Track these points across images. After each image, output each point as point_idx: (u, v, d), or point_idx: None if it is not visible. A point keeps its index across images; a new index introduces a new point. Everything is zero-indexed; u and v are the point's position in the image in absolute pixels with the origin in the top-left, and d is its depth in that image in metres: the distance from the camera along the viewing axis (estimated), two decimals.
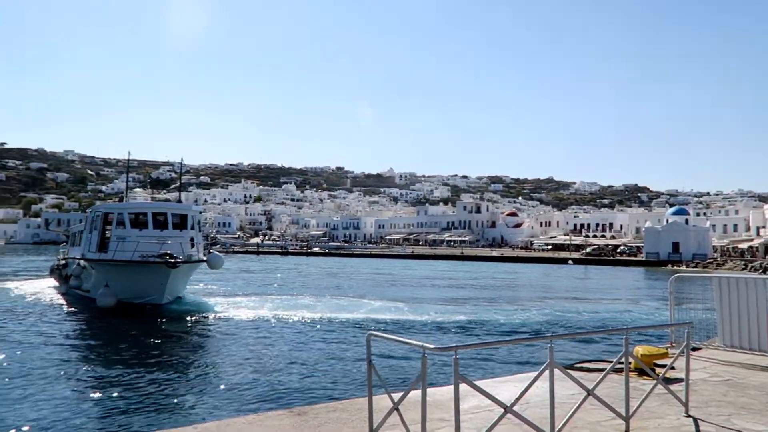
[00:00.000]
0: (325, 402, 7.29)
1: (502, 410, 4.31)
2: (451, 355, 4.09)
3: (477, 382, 4.62)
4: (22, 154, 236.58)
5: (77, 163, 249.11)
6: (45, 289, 29.01)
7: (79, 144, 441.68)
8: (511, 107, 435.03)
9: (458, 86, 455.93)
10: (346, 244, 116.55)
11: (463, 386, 4.14)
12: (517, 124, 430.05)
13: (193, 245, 24.38)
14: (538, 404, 5.88)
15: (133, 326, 18.83)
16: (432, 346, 4.09)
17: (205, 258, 24.23)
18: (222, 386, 10.99)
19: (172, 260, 20.62)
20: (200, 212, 27.33)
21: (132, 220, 23.84)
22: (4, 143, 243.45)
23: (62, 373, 12.17)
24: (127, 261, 21.73)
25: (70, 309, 22.78)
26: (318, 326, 18.21)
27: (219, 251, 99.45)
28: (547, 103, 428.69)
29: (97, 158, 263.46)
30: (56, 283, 30.21)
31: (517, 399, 4.39)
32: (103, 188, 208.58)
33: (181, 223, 24.68)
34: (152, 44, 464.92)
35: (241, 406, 9.56)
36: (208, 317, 20.29)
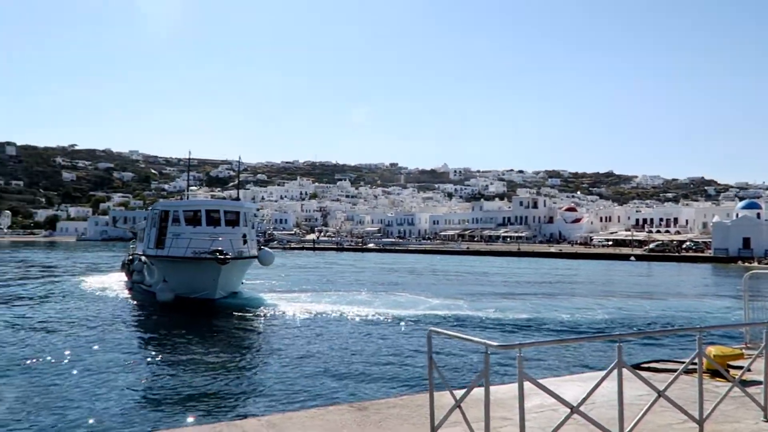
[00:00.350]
0: (384, 398, 7.31)
1: (567, 410, 4.19)
2: (514, 353, 4.01)
3: (540, 381, 4.52)
4: (90, 155, 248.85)
5: (141, 162, 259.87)
6: (113, 283, 30.41)
7: (143, 144, 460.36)
8: (569, 99, 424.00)
9: (513, 79, 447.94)
10: (400, 240, 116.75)
11: (525, 385, 4.06)
12: (575, 117, 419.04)
13: (245, 242, 24.88)
14: (604, 405, 5.70)
15: (190, 320, 19.46)
16: (495, 343, 4.01)
17: (256, 254, 24.50)
18: (281, 379, 11.18)
19: (222, 256, 21.03)
20: (253, 209, 27.85)
21: (187, 217, 24.71)
22: (75, 145, 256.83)
23: (123, 363, 12.68)
24: (180, 257, 22.56)
25: (133, 303, 23.88)
26: (375, 322, 18.30)
27: (276, 247, 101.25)
28: (607, 94, 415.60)
29: (160, 158, 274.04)
30: (125, 278, 31.62)
31: (584, 399, 4.26)
32: (166, 186, 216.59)
33: (233, 220, 25.32)
34: (211, 46, 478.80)
35: (301, 400, 9.70)
36: (264, 312, 20.63)
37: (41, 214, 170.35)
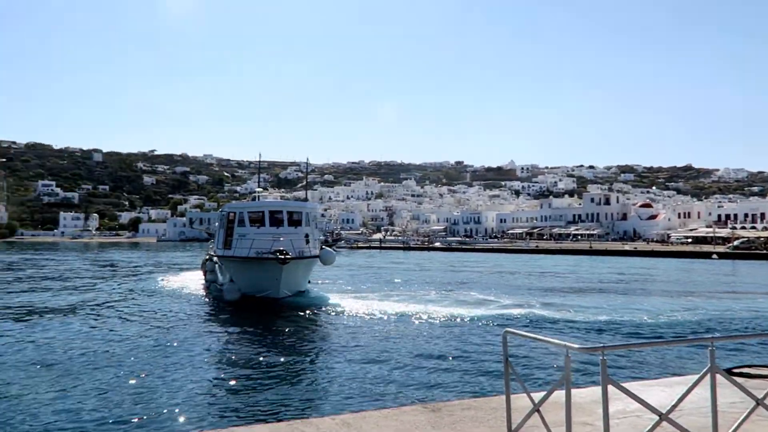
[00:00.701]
0: (457, 399, 7.22)
1: (652, 416, 3.97)
2: (596, 356, 3.84)
3: (623, 385, 4.31)
4: (168, 159, 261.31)
5: (215, 166, 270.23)
6: (191, 282, 31.69)
7: (216, 148, 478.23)
8: (641, 91, 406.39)
9: (580, 72, 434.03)
10: (467, 239, 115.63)
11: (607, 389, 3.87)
12: (648, 109, 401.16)
13: (308, 241, 25.27)
14: (693, 412, 5.38)
15: (258, 318, 19.79)
16: (577, 346, 3.85)
17: (317, 254, 24.77)
18: (350, 378, 11.23)
19: (282, 256, 21.38)
20: (316, 209, 28.20)
21: (251, 218, 25.48)
22: (154, 150, 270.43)
23: (194, 360, 13.08)
24: (244, 257, 23.23)
25: (206, 301, 24.76)
26: (444, 322, 18.11)
27: (343, 247, 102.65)
28: (682, 84, 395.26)
29: (232, 161, 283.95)
30: (203, 277, 33.00)
31: (674, 406, 4.02)
32: (238, 188, 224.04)
33: (297, 220, 25.82)
34: (274, 51, 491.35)
35: (371, 400, 9.70)
36: (331, 311, 20.79)
37: (125, 217, 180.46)
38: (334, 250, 28.60)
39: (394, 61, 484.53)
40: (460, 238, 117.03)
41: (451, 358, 12.81)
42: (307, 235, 25.53)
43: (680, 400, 4.05)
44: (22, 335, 15.87)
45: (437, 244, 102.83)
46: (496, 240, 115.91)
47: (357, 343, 14.74)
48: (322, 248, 25.41)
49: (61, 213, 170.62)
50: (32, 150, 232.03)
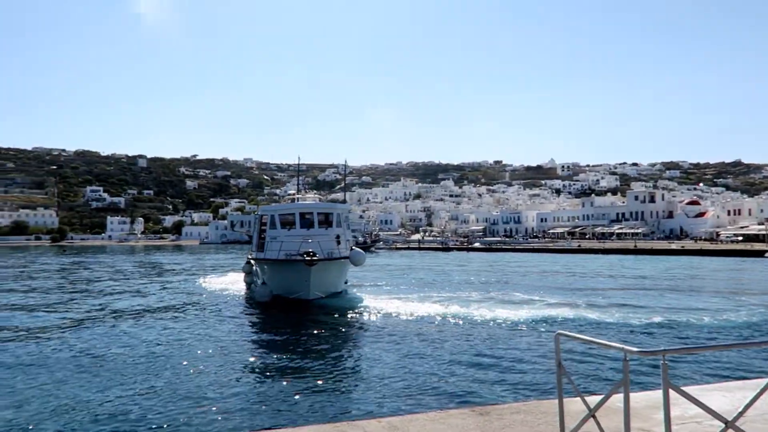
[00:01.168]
0: (506, 402, 7.08)
1: (714, 422, 3.79)
2: (655, 360, 3.68)
3: (684, 390, 4.12)
4: (210, 163, 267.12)
5: (255, 169, 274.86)
6: (232, 283, 32.22)
7: (256, 152, 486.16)
8: (685, 87, 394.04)
9: (620, 66, 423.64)
10: (507, 239, 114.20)
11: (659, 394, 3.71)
12: (693, 105, 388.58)
13: (339, 242, 25.25)
14: (757, 419, 5.13)
15: (296, 320, 19.87)
16: (636, 349, 3.70)
17: (347, 255, 24.64)
18: (396, 380, 11.12)
19: (309, 258, 21.37)
20: (347, 210, 28.29)
21: (282, 221, 25.75)
22: (196, 155, 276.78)
23: (235, 360, 13.22)
24: (274, 260, 23.47)
25: (244, 302, 25.00)
26: (488, 323, 17.82)
27: (382, 248, 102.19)
28: (728, 79, 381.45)
29: (272, 164, 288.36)
30: (243, 279, 33.56)
31: (742, 412, 3.82)
32: (277, 191, 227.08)
33: (326, 221, 25.89)
34: (309, 56, 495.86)
35: (415, 403, 9.57)
36: (370, 312, 20.62)
37: (169, 220, 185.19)
38: (373, 251, 28.64)
39: (431, 62, 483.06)
40: (499, 238, 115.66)
41: (497, 361, 12.58)
42: (338, 236, 25.53)
43: (748, 406, 3.85)
44: (81, 337, 16.38)
45: (477, 245, 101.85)
46: (536, 240, 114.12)
47: (399, 345, 14.60)
48: (351, 249, 25.27)
49: (109, 217, 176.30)
50: (81, 157, 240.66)
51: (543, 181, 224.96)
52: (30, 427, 8.63)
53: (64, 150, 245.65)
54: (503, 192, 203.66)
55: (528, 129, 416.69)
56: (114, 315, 20.81)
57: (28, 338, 16.17)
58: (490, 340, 15.13)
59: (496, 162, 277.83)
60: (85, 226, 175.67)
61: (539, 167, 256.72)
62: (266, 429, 8.41)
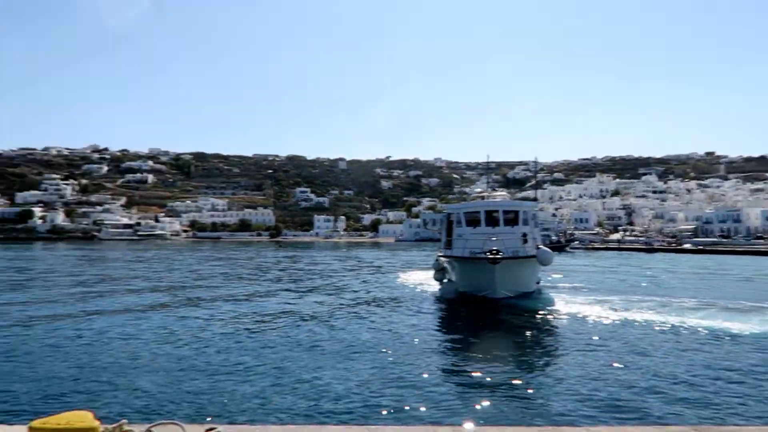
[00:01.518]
0: (733, 425, 6.52)
1: None
2: None
3: None
4: (402, 164, 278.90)
5: (445, 168, 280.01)
6: (425, 280, 33.43)
7: (446, 151, 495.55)
8: None
9: None
10: (724, 240, 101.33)
11: None
12: None
13: (525, 241, 24.66)
14: None
15: (484, 318, 19.85)
16: None
17: (534, 254, 23.84)
18: (596, 390, 10.66)
19: (492, 256, 21.08)
20: (534, 208, 27.55)
21: (467, 219, 25.99)
22: (390, 156, 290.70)
23: (421, 356, 13.62)
24: (459, 257, 23.73)
25: (433, 298, 25.54)
26: (707, 334, 16.12)
27: (578, 247, 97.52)
28: None
29: (461, 163, 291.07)
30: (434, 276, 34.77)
31: None
32: (467, 190, 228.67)
33: (512, 219, 25.44)
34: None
35: (629, 415, 9.03)
36: (564, 315, 19.84)
37: (366, 219, 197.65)
38: (568, 251, 27.72)
39: (618, 50, 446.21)
40: (715, 239, 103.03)
41: (720, 377, 11.45)
42: (524, 235, 25.03)
43: None
44: (305, 329, 18.45)
45: (687, 246, 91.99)
46: (762, 241, 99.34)
47: (596, 351, 13.97)
48: (538, 248, 24.56)
49: (315, 216, 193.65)
50: (291, 161, 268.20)
51: (767, 174, 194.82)
52: (271, 397, 10.03)
53: (277, 156, 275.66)
54: (717, 187, 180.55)
55: (744, 114, 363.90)
56: (330, 311, 22.90)
57: (271, 327, 18.60)
58: (710, 353, 13.70)
59: (708, 153, 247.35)
60: (296, 224, 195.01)
61: (762, 158, 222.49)
62: (455, 426, 8.75)
